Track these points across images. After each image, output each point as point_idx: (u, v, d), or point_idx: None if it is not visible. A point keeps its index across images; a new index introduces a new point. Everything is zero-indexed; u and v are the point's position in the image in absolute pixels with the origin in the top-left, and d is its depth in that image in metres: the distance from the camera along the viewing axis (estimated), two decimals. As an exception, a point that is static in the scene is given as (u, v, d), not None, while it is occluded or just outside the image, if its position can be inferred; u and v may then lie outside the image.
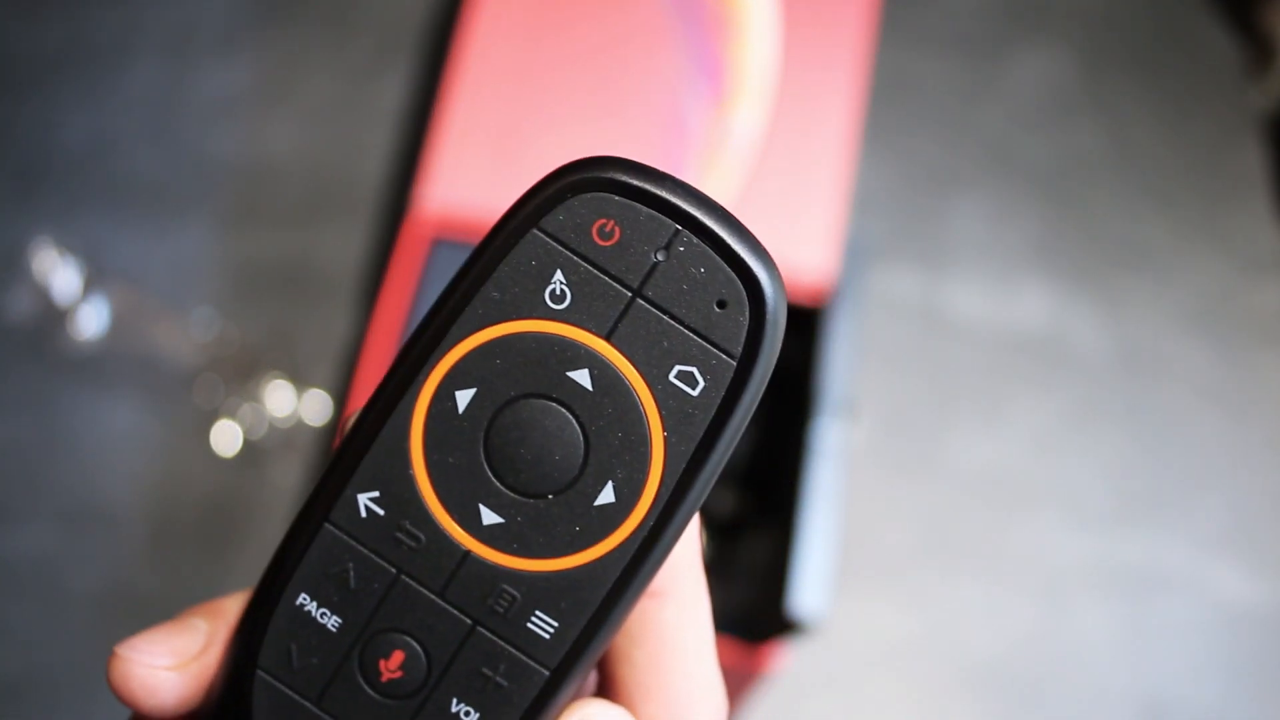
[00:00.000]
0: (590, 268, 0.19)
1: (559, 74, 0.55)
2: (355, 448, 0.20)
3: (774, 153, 0.54)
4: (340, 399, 0.54)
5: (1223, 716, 0.52)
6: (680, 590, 0.21)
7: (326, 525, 0.19)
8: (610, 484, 0.19)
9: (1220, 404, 0.57)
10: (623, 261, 0.19)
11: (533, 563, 0.20)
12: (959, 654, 0.52)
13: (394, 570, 0.19)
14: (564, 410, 0.19)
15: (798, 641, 0.44)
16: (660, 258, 0.19)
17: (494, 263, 0.19)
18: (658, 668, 0.21)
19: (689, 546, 0.20)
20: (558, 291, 0.19)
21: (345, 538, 0.19)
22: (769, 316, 0.19)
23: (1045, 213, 0.59)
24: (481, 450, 0.20)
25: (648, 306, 0.19)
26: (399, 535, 0.19)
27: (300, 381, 0.54)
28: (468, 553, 0.19)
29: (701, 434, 0.19)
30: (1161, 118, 0.62)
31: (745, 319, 0.19)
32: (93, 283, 0.54)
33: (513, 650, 0.20)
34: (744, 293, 0.19)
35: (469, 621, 0.20)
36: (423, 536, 0.19)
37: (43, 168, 0.58)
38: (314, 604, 0.20)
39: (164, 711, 0.21)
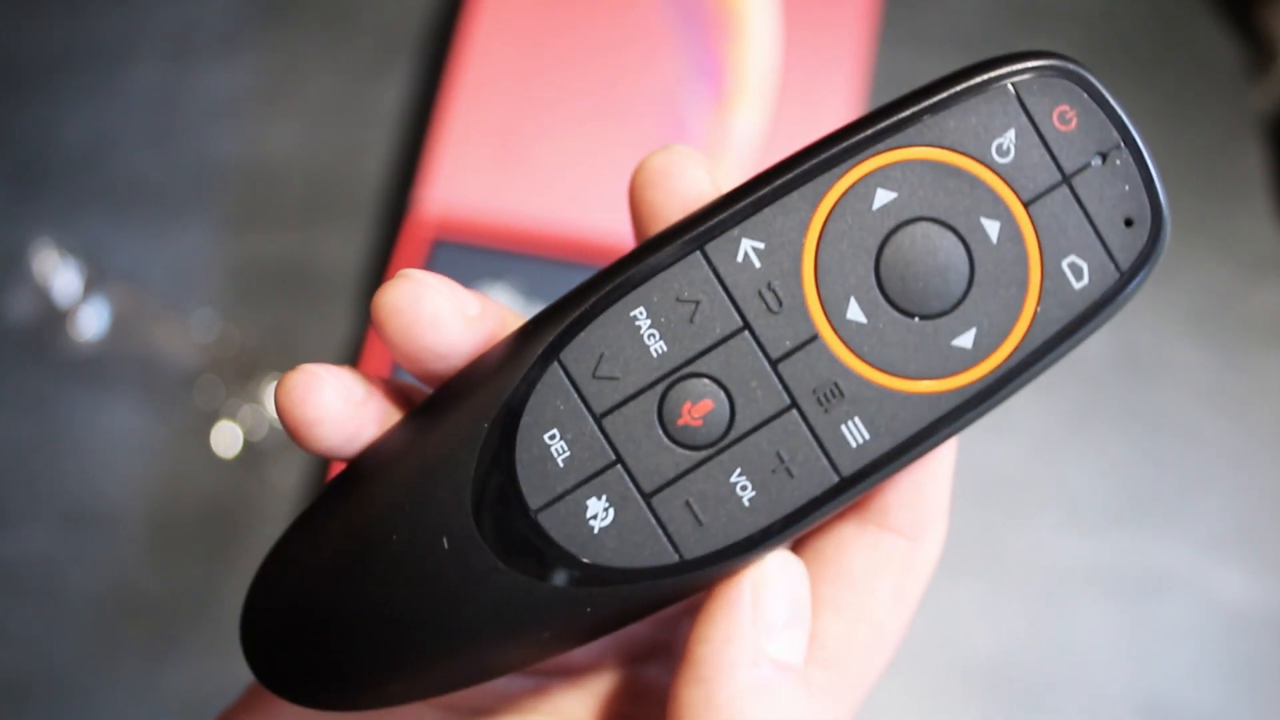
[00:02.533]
0: (1040, 140, 0.21)
1: (559, 75, 0.55)
2: (760, 196, 0.20)
3: (775, 154, 0.54)
4: (340, 400, 0.54)
5: (1223, 718, 0.52)
6: None
7: (698, 254, 0.20)
8: (974, 331, 0.20)
9: (1220, 405, 0.57)
10: (1067, 149, 0.21)
11: (873, 371, 0.20)
12: (959, 654, 0.52)
13: (742, 322, 0.20)
14: (964, 248, 0.20)
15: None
16: (1096, 161, 0.21)
17: (961, 96, 0.20)
18: (919, 482, 0.23)
19: None
20: (1004, 146, 0.20)
21: (711, 272, 0.20)
22: (1160, 247, 0.21)
23: (1045, 213, 0.59)
24: (876, 249, 0.20)
25: (1070, 195, 0.21)
26: (764, 292, 0.20)
27: (300, 382, 0.54)
28: (817, 335, 0.20)
29: (1066, 321, 0.20)
30: (1161, 118, 0.62)
31: (1142, 242, 0.21)
32: (93, 284, 0.54)
33: (817, 444, 0.20)
34: (1150, 220, 0.21)
35: (789, 400, 0.20)
36: (785, 302, 0.20)
37: (43, 168, 0.59)
38: (648, 321, 0.20)
39: (429, 353, 0.20)
